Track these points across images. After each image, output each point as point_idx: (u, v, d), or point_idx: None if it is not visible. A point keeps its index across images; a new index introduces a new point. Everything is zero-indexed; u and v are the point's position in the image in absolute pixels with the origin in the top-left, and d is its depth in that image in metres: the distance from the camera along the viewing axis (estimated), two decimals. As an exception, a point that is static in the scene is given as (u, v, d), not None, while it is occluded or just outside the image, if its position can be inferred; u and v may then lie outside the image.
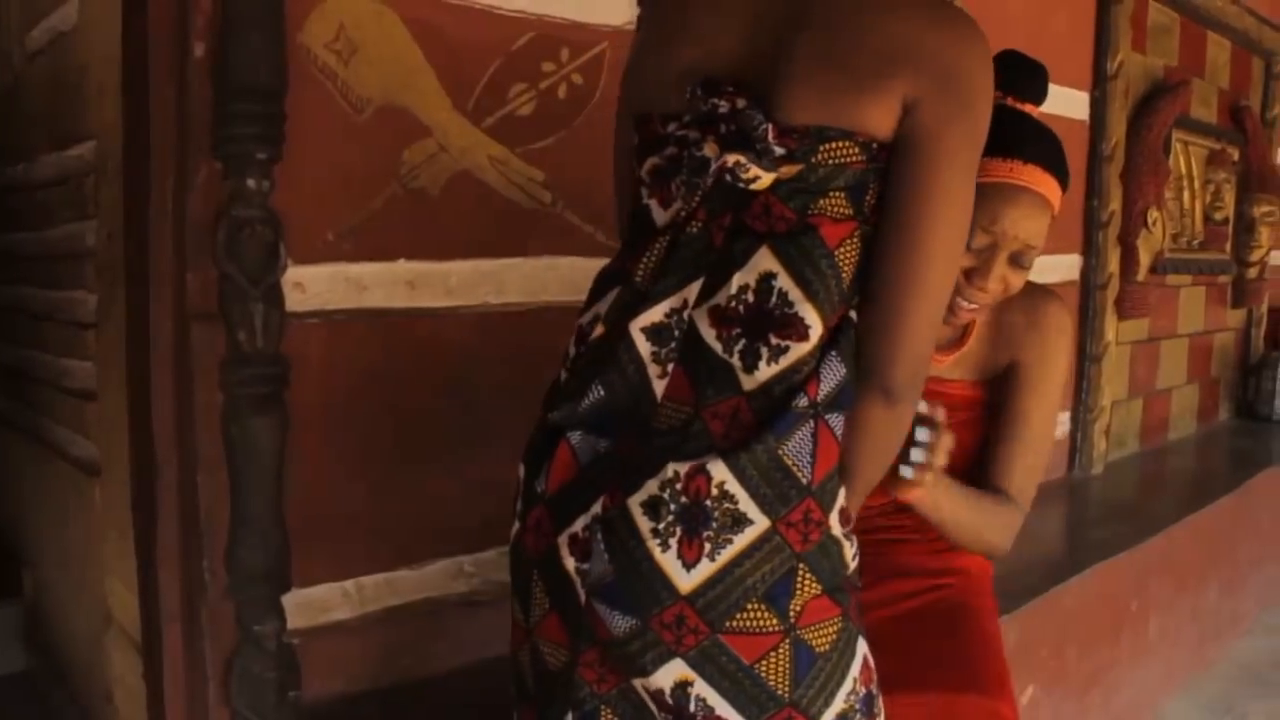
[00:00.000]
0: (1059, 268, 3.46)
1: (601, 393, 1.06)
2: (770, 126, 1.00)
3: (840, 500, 1.04)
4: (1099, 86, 3.54)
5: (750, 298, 1.01)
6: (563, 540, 1.05)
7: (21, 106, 2.60)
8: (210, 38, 1.55)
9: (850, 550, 1.06)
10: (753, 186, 1.02)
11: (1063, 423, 3.61)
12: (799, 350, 1.00)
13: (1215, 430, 4.80)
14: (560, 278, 2.00)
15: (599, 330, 1.09)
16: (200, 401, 1.59)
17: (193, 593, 1.63)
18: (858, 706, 1.06)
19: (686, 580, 0.98)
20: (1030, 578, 2.53)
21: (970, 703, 1.38)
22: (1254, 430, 4.86)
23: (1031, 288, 1.50)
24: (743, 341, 1.01)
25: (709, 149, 1.02)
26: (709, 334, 1.02)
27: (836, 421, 1.02)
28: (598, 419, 1.07)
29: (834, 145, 1.00)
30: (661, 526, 0.98)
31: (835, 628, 1.03)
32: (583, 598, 1.03)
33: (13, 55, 2.63)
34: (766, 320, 1.01)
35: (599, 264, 1.20)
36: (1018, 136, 1.36)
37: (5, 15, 2.68)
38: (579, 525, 1.04)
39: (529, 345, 1.81)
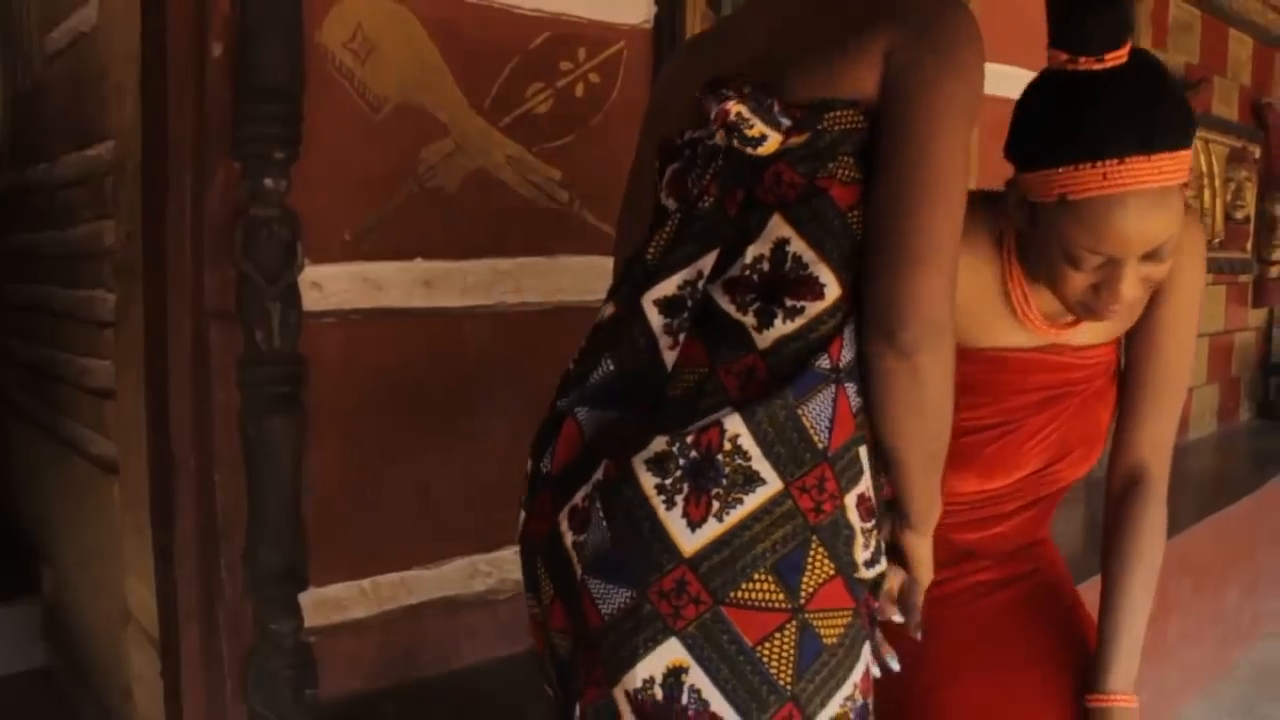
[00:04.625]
0: (1078, 266, 3.42)
1: (611, 366, 1.03)
2: (776, 100, 0.99)
3: (860, 486, 0.98)
4: (1119, 84, 3.51)
5: (765, 266, 0.99)
6: (563, 516, 0.99)
7: (42, 107, 2.62)
8: (228, 38, 1.55)
9: (862, 549, 0.98)
10: (760, 150, 1.00)
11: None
12: (814, 309, 0.97)
13: (1235, 430, 4.78)
14: (577, 277, 2.00)
15: (610, 309, 1.07)
16: (218, 401, 1.60)
17: (210, 591, 1.64)
18: (852, 716, 0.98)
19: (690, 541, 0.92)
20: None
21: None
22: (1274, 430, 4.84)
23: None
24: (758, 304, 0.98)
25: (718, 138, 1.02)
26: (723, 300, 1.00)
27: (853, 392, 0.98)
28: (606, 393, 1.03)
29: (838, 114, 1.00)
30: (668, 483, 0.93)
31: (844, 621, 0.97)
32: (579, 574, 0.97)
33: (33, 56, 2.65)
34: (781, 284, 0.98)
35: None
36: (1112, 119, 1.03)
37: (26, 16, 2.70)
38: (579, 496, 0.98)
39: (546, 344, 1.80)
